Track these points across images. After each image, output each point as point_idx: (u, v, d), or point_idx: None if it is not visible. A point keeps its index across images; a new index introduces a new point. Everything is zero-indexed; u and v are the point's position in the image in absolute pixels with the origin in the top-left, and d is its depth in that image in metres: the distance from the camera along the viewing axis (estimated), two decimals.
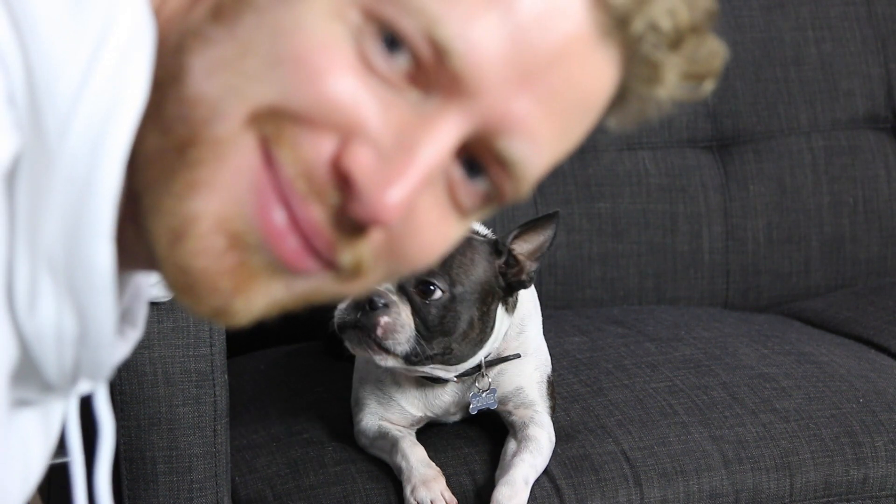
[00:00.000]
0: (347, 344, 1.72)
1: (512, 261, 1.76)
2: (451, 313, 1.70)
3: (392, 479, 1.78)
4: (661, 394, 1.96)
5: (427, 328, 1.69)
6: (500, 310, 1.78)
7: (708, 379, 2.00)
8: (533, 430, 1.81)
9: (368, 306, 1.67)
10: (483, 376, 1.81)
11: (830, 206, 2.62)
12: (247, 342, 2.21)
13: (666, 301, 2.53)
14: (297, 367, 2.13)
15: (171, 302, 1.76)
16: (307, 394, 2.02)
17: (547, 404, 1.85)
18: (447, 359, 1.73)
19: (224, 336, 1.80)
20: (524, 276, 1.77)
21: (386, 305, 1.68)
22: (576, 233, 2.49)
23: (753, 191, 2.58)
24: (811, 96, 2.64)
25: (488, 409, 1.83)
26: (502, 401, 1.83)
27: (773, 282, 2.59)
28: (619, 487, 1.82)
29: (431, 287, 1.69)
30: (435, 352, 1.71)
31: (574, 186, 2.50)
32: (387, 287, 1.69)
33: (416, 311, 1.69)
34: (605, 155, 2.53)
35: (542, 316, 1.95)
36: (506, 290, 1.77)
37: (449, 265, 1.71)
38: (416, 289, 1.69)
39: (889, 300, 2.42)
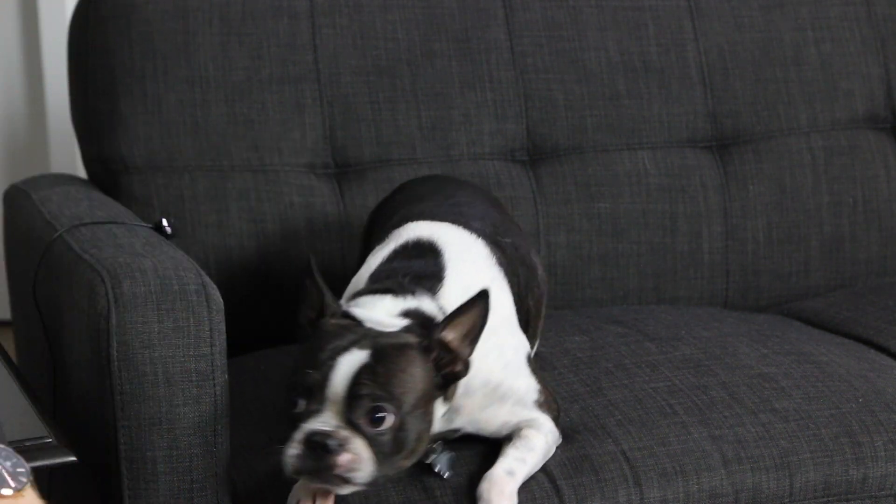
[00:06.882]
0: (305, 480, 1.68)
1: (444, 353, 1.71)
2: (402, 434, 1.66)
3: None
4: (661, 394, 1.96)
5: (382, 454, 1.64)
6: (440, 403, 1.73)
7: (707, 379, 2.00)
8: (526, 431, 1.81)
9: (322, 450, 1.63)
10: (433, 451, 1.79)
11: (830, 206, 2.62)
12: (247, 342, 2.21)
13: (666, 301, 2.53)
14: None
15: (171, 301, 1.76)
16: None
17: (534, 403, 1.83)
18: (399, 471, 1.69)
19: (224, 336, 1.80)
20: (459, 367, 1.71)
21: (342, 446, 1.63)
22: (576, 233, 2.49)
23: (753, 191, 2.58)
24: (811, 96, 2.64)
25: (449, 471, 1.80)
26: (497, 435, 1.83)
27: (773, 282, 2.59)
28: (618, 488, 1.82)
29: (381, 415, 1.64)
30: (390, 472, 1.67)
31: (574, 186, 2.51)
32: (336, 424, 1.64)
33: (369, 443, 1.64)
34: (605, 155, 2.53)
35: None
36: (442, 387, 1.72)
37: (392, 385, 1.65)
38: (366, 419, 1.64)
39: (889, 300, 2.42)
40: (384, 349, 1.67)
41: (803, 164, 2.62)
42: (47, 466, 1.67)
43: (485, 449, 1.84)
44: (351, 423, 1.64)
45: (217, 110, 2.39)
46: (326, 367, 1.65)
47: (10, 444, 1.51)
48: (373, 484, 1.65)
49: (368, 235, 2.13)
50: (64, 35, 2.52)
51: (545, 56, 2.53)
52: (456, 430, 1.82)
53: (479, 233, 1.92)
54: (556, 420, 1.86)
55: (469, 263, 1.83)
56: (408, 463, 1.70)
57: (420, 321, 1.73)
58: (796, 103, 2.64)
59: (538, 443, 1.81)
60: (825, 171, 2.63)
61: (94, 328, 1.78)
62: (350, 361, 1.65)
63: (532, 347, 1.95)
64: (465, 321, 1.70)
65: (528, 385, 1.83)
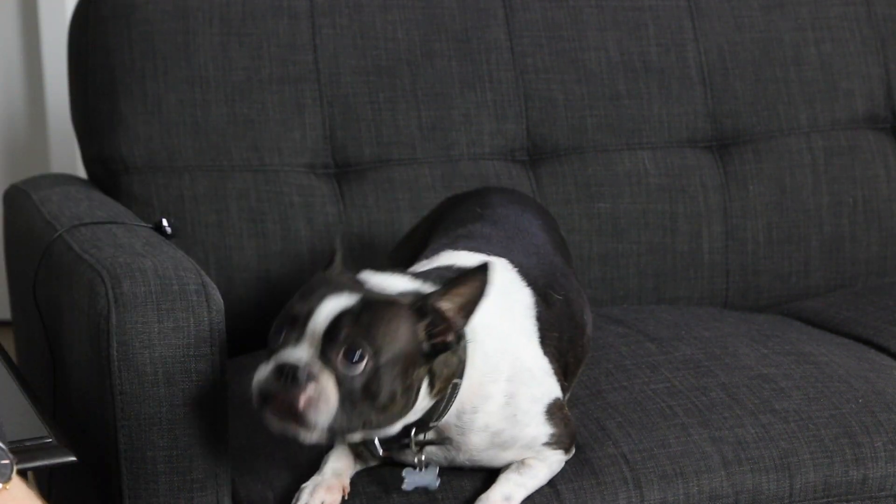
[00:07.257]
0: (266, 419, 1.64)
1: (438, 319, 1.68)
2: (374, 384, 1.63)
3: (391, 480, 1.79)
4: (661, 395, 1.96)
5: (350, 400, 1.62)
6: (424, 385, 1.69)
7: (707, 380, 2.00)
8: (530, 461, 1.80)
9: (291, 378, 1.61)
10: (417, 451, 1.76)
11: (830, 206, 2.62)
12: (247, 342, 2.21)
13: (666, 301, 2.53)
14: None
15: (171, 301, 1.76)
16: None
17: (542, 445, 1.80)
18: (365, 430, 1.67)
19: (224, 336, 1.80)
20: (450, 337, 1.68)
21: (310, 377, 1.61)
22: (576, 233, 2.49)
23: (753, 191, 2.58)
24: (811, 96, 2.64)
25: (427, 488, 1.78)
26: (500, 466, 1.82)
27: (773, 282, 2.59)
28: (618, 490, 1.82)
29: (356, 356, 1.62)
30: (355, 424, 1.64)
31: (574, 186, 2.51)
32: (310, 356, 1.63)
33: (339, 382, 1.62)
34: (605, 155, 2.53)
35: None
36: (429, 357, 1.68)
37: (374, 333, 1.64)
38: (341, 357, 1.62)
39: (889, 300, 2.42)
40: (373, 300, 1.67)
41: (803, 164, 2.62)
42: (47, 466, 1.67)
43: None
44: (325, 360, 1.63)
45: (217, 110, 2.39)
46: (313, 303, 1.66)
47: (10, 444, 1.51)
48: (333, 433, 1.63)
49: (433, 222, 2.11)
50: (64, 35, 2.52)
51: (545, 56, 2.53)
52: (446, 438, 1.78)
53: (531, 282, 1.88)
54: (568, 449, 1.83)
55: (498, 308, 1.78)
56: (375, 422, 1.66)
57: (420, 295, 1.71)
58: (796, 103, 2.64)
59: (541, 472, 1.80)
60: (825, 171, 2.63)
61: (94, 328, 1.78)
62: (337, 302, 1.65)
63: (566, 393, 1.90)
64: (463, 292, 1.68)
65: (537, 433, 1.79)
